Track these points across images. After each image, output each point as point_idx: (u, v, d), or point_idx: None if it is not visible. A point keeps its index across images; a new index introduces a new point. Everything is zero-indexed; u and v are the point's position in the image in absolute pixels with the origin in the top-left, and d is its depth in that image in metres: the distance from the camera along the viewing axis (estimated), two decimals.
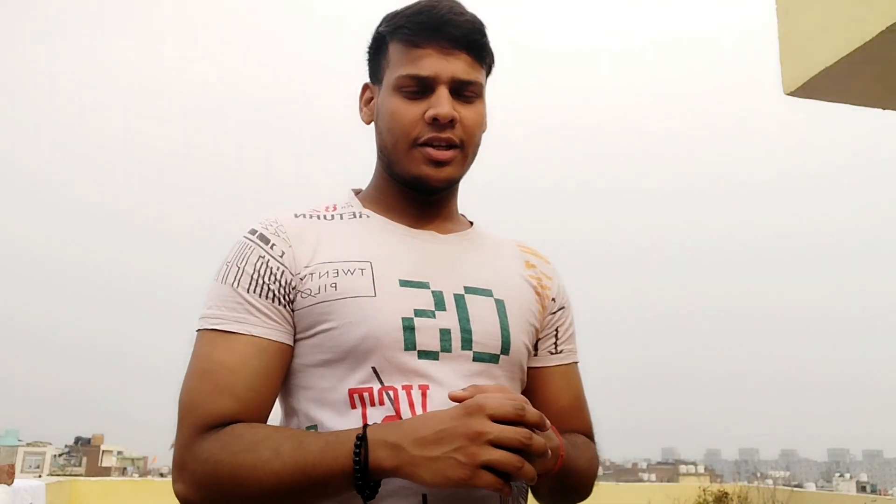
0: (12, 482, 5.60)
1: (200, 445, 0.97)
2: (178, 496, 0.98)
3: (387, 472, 0.90)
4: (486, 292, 1.12)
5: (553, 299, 1.22)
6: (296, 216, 1.14)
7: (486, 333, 1.08)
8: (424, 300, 1.06)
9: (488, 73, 1.16)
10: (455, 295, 1.09)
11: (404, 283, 1.07)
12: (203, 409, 0.99)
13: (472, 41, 1.10)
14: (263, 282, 1.05)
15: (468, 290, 1.10)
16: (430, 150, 1.08)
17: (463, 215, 1.25)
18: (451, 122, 1.08)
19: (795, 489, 10.82)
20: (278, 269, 1.06)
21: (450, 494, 0.95)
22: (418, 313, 1.04)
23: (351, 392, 1.02)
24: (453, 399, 0.93)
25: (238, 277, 1.06)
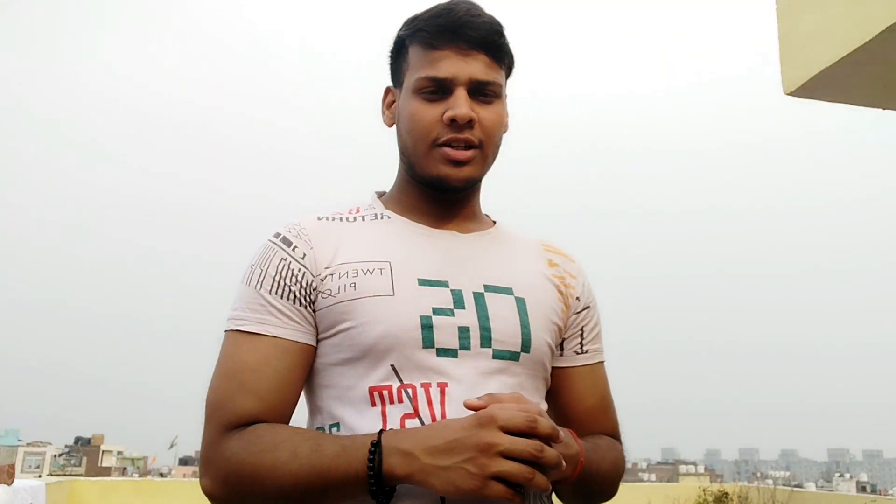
0: (12, 482, 5.58)
1: (225, 444, 0.99)
2: (204, 491, 1.00)
3: (399, 478, 0.91)
4: (507, 290, 1.12)
5: (577, 298, 1.21)
6: (319, 219, 1.15)
7: (505, 331, 1.08)
8: (443, 298, 1.07)
9: (508, 74, 1.16)
10: (475, 293, 1.09)
11: (423, 282, 1.07)
12: (227, 409, 1.02)
13: (490, 42, 1.10)
14: (285, 283, 1.06)
15: (488, 288, 1.11)
16: (449, 151, 1.09)
17: (487, 215, 1.25)
18: (469, 123, 1.08)
19: (795, 489, 10.77)
20: (299, 270, 1.07)
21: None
22: (437, 311, 1.05)
23: (371, 390, 1.02)
24: (468, 407, 0.94)
25: (261, 280, 1.08)
